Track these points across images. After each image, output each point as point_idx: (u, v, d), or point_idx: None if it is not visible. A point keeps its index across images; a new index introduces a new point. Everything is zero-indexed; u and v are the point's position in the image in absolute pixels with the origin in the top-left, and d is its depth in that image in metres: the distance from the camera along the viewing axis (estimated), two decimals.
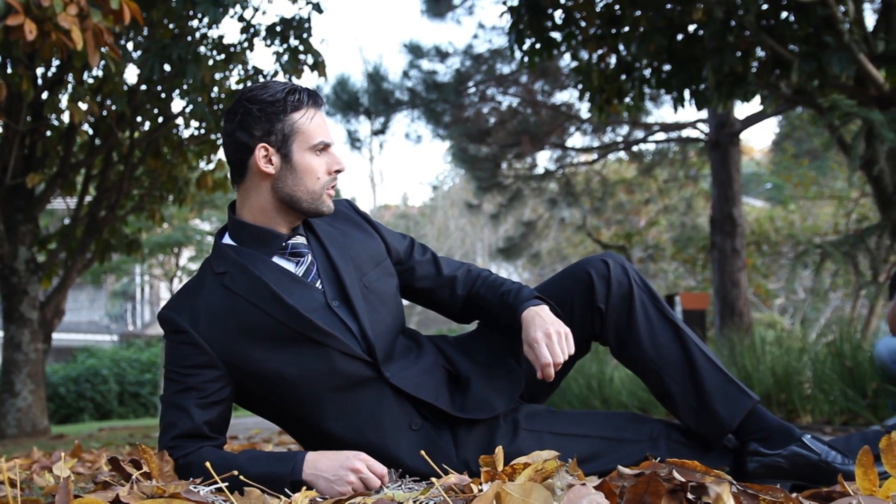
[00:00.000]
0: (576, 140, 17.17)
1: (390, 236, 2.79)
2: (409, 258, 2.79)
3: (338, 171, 2.57)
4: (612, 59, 7.92)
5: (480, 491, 1.97)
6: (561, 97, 15.30)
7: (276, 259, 2.57)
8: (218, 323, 2.48)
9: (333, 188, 2.59)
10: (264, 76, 8.82)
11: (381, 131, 14.96)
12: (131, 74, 19.28)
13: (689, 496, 1.76)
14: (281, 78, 9.13)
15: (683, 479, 1.79)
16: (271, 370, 2.48)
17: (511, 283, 2.72)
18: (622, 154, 17.48)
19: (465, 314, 2.83)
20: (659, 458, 2.39)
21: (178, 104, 9.88)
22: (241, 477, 2.23)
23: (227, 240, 2.63)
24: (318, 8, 8.55)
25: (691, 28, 7.07)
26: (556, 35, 7.70)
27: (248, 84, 8.91)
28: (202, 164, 10.09)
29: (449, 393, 2.62)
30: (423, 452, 2.29)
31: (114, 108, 8.35)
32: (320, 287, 2.57)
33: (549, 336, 2.46)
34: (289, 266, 2.57)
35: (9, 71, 7.88)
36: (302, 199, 2.54)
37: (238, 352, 2.47)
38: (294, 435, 2.68)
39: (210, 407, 2.46)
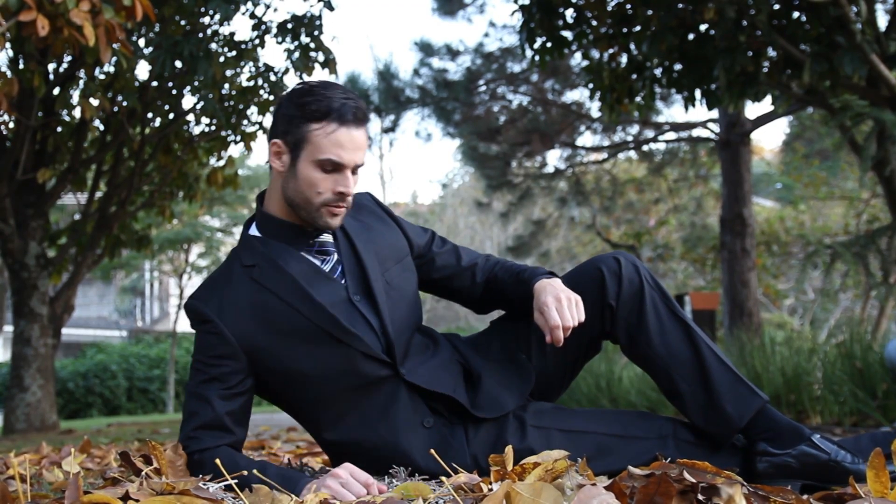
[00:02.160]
0: (586, 139, 17.15)
1: (412, 230, 2.80)
2: (428, 250, 2.81)
3: (341, 194, 2.51)
4: (623, 59, 7.90)
5: (490, 490, 1.97)
6: (571, 96, 15.29)
7: (302, 254, 2.59)
8: (244, 315, 2.50)
9: (340, 209, 2.54)
10: (275, 73, 8.82)
11: (392, 129, 14.95)
12: (142, 71, 19.32)
13: (700, 497, 1.76)
14: (292, 75, 9.15)
15: (694, 480, 1.78)
16: (292, 366, 2.51)
17: (528, 266, 2.75)
18: (632, 153, 17.46)
19: (484, 302, 2.86)
20: (668, 458, 2.39)
21: (188, 101, 9.93)
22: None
23: (254, 231, 2.65)
24: (329, 5, 8.55)
25: (703, 27, 7.05)
26: (567, 34, 7.68)
27: (259, 81, 8.93)
28: (212, 161, 10.10)
29: (465, 388, 2.63)
30: (433, 451, 2.29)
31: (125, 104, 8.37)
32: (343, 282, 2.58)
33: (559, 300, 2.48)
34: (315, 262, 2.59)
35: (21, 66, 7.90)
36: (300, 207, 2.54)
37: (262, 345, 2.49)
38: (307, 428, 2.69)
39: (232, 398, 2.48)
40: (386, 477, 2.48)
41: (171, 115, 9.17)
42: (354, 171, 2.52)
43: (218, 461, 2.17)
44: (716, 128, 13.24)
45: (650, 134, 15.72)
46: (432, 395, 2.58)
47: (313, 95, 2.49)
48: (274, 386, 2.56)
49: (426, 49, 14.47)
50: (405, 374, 2.56)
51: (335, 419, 2.56)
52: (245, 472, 2.24)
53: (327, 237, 2.63)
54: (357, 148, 2.49)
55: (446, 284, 2.84)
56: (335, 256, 2.61)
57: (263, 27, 8.69)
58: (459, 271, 2.82)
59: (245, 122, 9.23)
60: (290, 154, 2.52)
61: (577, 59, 13.68)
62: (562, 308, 2.47)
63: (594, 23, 7.58)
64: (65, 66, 8.63)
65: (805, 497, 1.85)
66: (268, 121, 8.90)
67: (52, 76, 8.55)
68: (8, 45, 7.46)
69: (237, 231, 23.03)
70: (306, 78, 8.54)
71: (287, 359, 2.50)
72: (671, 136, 15.48)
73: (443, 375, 2.62)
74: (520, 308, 2.71)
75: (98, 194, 9.80)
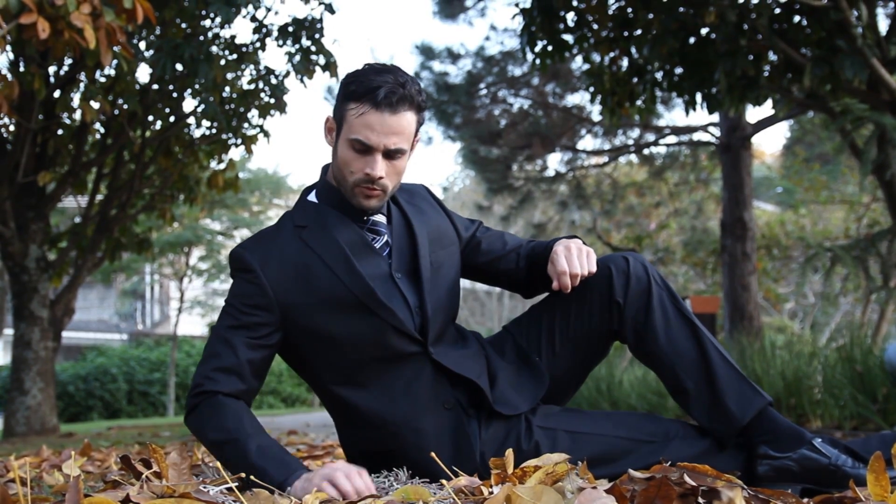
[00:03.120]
0: (587, 142, 17.16)
1: (460, 222, 2.86)
2: (473, 236, 2.86)
3: (368, 175, 2.52)
4: (624, 62, 7.90)
5: (491, 493, 1.97)
6: (572, 99, 15.29)
7: (356, 226, 2.63)
8: (286, 271, 2.54)
9: (372, 192, 2.55)
10: (276, 76, 8.83)
11: None
12: (143, 73, 19.34)
13: (700, 500, 1.76)
14: (293, 78, 9.15)
15: (695, 484, 1.78)
16: (323, 329, 2.54)
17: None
18: (633, 157, 17.45)
19: (528, 283, 2.88)
20: (672, 461, 2.39)
21: (189, 104, 9.90)
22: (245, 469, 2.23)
23: (312, 197, 2.70)
24: (330, 9, 8.56)
25: (704, 31, 7.05)
26: (568, 37, 7.69)
27: (260, 84, 8.93)
28: (213, 164, 10.10)
29: (488, 380, 2.66)
30: (433, 455, 2.29)
31: (125, 107, 8.36)
32: (388, 258, 2.62)
33: (570, 249, 2.54)
34: (366, 236, 2.63)
35: (21, 69, 7.90)
36: (340, 184, 2.60)
37: (297, 303, 2.53)
38: (324, 398, 2.71)
39: (256, 348, 2.51)
40: (386, 480, 2.48)
41: (172, 118, 9.17)
42: (390, 155, 2.52)
43: (219, 465, 2.16)
44: (716, 131, 13.25)
45: (651, 137, 15.72)
46: (455, 382, 2.62)
47: (359, 76, 2.51)
48: (302, 345, 2.59)
49: (427, 52, 14.48)
50: (433, 354, 2.59)
51: (356, 388, 2.59)
52: (243, 475, 2.23)
53: (381, 217, 2.67)
54: (389, 132, 2.48)
55: (493, 267, 2.87)
56: (385, 237, 2.65)
57: (264, 30, 8.69)
58: (504, 254, 2.86)
59: (246, 125, 9.24)
60: (336, 131, 2.57)
61: (577, 63, 13.68)
62: (571, 256, 2.53)
63: (595, 26, 7.58)
64: (65, 68, 8.63)
65: (805, 500, 1.85)
66: (268, 124, 8.88)
67: (52, 79, 8.55)
68: (8, 47, 7.46)
69: (238, 234, 23.04)
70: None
71: (319, 320, 2.54)
72: (672, 139, 15.48)
73: (470, 364, 2.65)
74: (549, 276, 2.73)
75: (99, 197, 9.80)
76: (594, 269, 2.55)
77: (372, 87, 2.47)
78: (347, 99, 2.51)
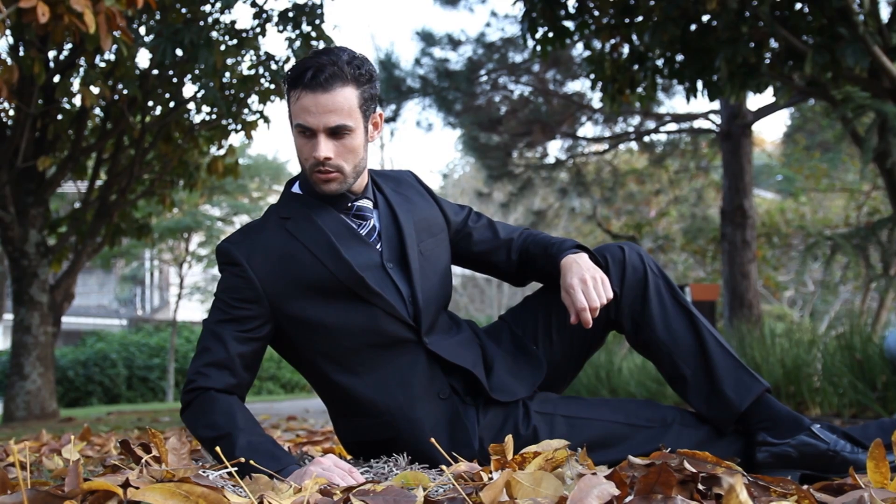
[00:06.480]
0: (587, 130, 17.09)
1: (450, 208, 2.85)
2: (464, 226, 2.85)
3: (315, 158, 2.51)
4: (625, 49, 7.88)
5: (490, 479, 1.97)
6: (573, 86, 15.26)
7: (341, 216, 2.63)
8: (272, 263, 2.55)
9: (327, 174, 2.54)
10: (276, 62, 8.80)
11: (393, 119, 14.92)
12: (143, 59, 19.29)
13: (700, 487, 1.76)
14: (293, 64, 9.12)
15: (695, 470, 1.78)
16: (314, 318, 2.54)
17: (558, 238, 2.77)
18: (633, 144, 17.41)
19: (520, 275, 2.88)
20: (671, 447, 2.39)
21: (189, 89, 9.91)
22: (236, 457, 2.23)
23: (296, 189, 2.70)
24: None
25: (705, 18, 7.03)
26: (569, 24, 7.66)
27: (260, 70, 8.92)
28: (213, 150, 10.09)
29: (483, 368, 2.66)
30: (433, 440, 2.29)
31: (125, 92, 8.35)
32: (379, 248, 2.62)
33: (585, 282, 2.51)
34: (351, 224, 2.63)
35: (21, 54, 7.88)
36: (304, 172, 2.61)
37: (286, 294, 2.54)
38: (319, 388, 2.71)
39: (246, 342, 2.52)
40: (385, 466, 2.49)
41: (172, 104, 9.16)
42: (335, 134, 2.50)
43: (218, 449, 2.16)
44: (717, 119, 13.22)
45: (651, 125, 15.69)
46: (451, 370, 2.62)
47: (295, 65, 2.52)
48: (294, 335, 2.59)
49: (427, 39, 14.43)
50: (428, 344, 2.59)
51: (349, 377, 2.59)
52: (242, 459, 2.23)
53: (366, 202, 2.67)
54: (325, 111, 2.47)
55: (485, 259, 2.88)
56: (372, 222, 2.65)
57: (264, 15, 8.67)
58: (496, 246, 2.85)
59: (246, 110, 9.23)
60: (290, 123, 2.58)
61: (578, 50, 13.66)
62: (587, 289, 2.50)
63: (596, 13, 7.56)
64: (65, 53, 8.62)
65: (805, 487, 1.85)
66: (269, 110, 8.88)
67: (52, 64, 8.54)
68: (8, 32, 7.44)
69: (237, 220, 23.03)
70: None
71: (308, 308, 2.54)
72: (672, 127, 15.44)
73: (464, 352, 2.65)
74: (552, 282, 2.73)
75: (98, 182, 9.79)
76: (611, 295, 2.54)
77: (302, 71, 2.47)
78: (287, 89, 2.52)
